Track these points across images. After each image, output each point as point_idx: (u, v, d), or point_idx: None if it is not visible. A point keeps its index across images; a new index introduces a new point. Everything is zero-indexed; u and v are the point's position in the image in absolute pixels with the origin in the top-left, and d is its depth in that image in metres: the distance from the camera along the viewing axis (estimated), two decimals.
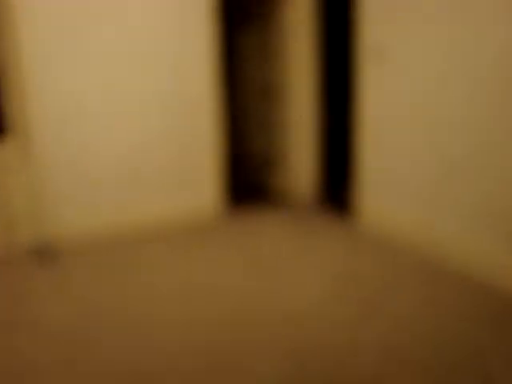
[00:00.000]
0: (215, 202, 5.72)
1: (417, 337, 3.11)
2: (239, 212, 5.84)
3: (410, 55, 4.43)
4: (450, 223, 4.21)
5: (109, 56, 5.00)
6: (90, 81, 4.95)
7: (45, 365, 2.95)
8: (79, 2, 4.80)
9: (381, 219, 4.94)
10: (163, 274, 4.23)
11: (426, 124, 4.35)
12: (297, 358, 2.91)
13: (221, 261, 4.44)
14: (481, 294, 3.67)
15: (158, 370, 2.86)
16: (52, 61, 4.77)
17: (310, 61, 5.84)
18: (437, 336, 3.11)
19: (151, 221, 5.40)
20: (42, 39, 4.70)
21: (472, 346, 3.00)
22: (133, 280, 4.15)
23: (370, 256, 4.43)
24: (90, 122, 5.01)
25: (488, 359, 2.86)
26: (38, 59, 4.71)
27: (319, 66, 5.91)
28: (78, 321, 3.50)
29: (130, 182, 5.27)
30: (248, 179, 7.05)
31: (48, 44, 4.73)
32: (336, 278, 4.00)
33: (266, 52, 6.33)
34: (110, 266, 4.44)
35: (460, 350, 2.95)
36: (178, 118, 5.41)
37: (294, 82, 5.94)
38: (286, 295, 3.73)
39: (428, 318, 3.33)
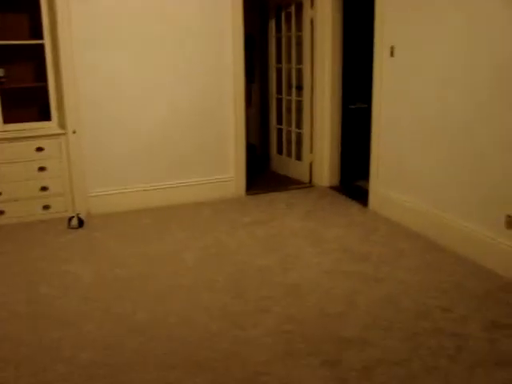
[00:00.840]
0: (238, 182, 6.31)
1: (403, 307, 3.63)
2: (259, 193, 6.42)
3: (419, 51, 4.90)
4: (450, 210, 4.71)
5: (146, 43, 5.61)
6: (124, 67, 5.58)
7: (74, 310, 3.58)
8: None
9: (391, 205, 5.43)
10: (183, 238, 4.97)
11: (433, 117, 4.82)
12: (297, 322, 3.47)
13: (240, 234, 5.04)
14: (471, 271, 4.19)
15: (171, 321, 3.45)
16: (89, 50, 5.39)
17: (334, 55, 6.32)
18: (420, 307, 3.63)
19: (175, 197, 6.00)
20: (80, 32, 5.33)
21: (456, 315, 3.54)
22: (152, 240, 4.93)
23: (378, 236, 4.99)
24: (121, 104, 5.63)
25: (468, 327, 3.37)
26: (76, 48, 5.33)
27: (341, 60, 6.39)
28: (99, 271, 4.29)
29: (157, 161, 5.90)
30: (271, 164, 7.58)
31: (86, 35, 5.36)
32: (343, 253, 4.56)
33: (295, 46, 6.80)
34: (132, 230, 5.23)
35: (445, 319, 3.47)
36: (207, 104, 5.99)
37: (319, 76, 6.43)
38: (297, 266, 4.31)
39: (420, 291, 3.86)
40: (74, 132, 5.38)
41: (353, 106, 7.15)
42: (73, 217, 5.23)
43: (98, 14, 5.33)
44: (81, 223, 5.24)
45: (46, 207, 5.44)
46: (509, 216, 4.09)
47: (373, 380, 2.88)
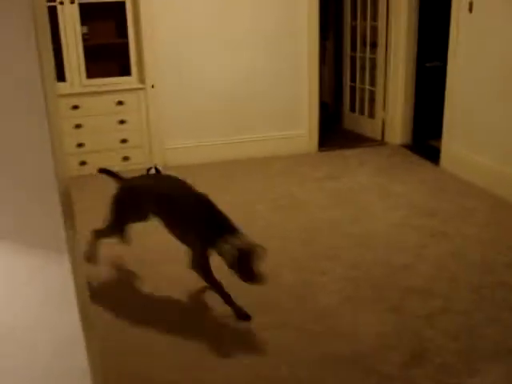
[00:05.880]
0: (311, 138, 6.40)
1: (470, 261, 3.70)
2: (331, 150, 6.48)
3: (499, 7, 4.79)
4: None
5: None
6: (203, 25, 5.71)
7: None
8: None
9: (463, 163, 5.42)
10: (256, 189, 5.19)
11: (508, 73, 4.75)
12: (363, 270, 3.60)
13: (311, 187, 5.20)
14: None
15: None
16: (168, 7, 5.56)
17: (410, 11, 6.25)
18: (486, 261, 3.68)
19: (248, 151, 6.15)
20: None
21: None
22: (226, 191, 5.04)
23: (448, 194, 5.01)
24: (199, 61, 5.78)
25: None
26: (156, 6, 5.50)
27: (418, 17, 6.31)
28: None
29: (232, 116, 6.06)
30: (343, 121, 7.62)
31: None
32: (411, 208, 4.63)
33: (370, 2, 6.76)
34: (206, 181, 5.29)
35: (510, 274, 3.52)
36: (282, 63, 6.08)
37: (394, 33, 6.39)
38: (365, 219, 4.43)
39: (486, 247, 3.90)
40: (153, 87, 5.60)
41: (429, 64, 7.07)
42: (151, 168, 5.46)
43: None
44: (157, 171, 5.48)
45: (125, 158, 5.71)
46: None
47: (435, 326, 2.98)
